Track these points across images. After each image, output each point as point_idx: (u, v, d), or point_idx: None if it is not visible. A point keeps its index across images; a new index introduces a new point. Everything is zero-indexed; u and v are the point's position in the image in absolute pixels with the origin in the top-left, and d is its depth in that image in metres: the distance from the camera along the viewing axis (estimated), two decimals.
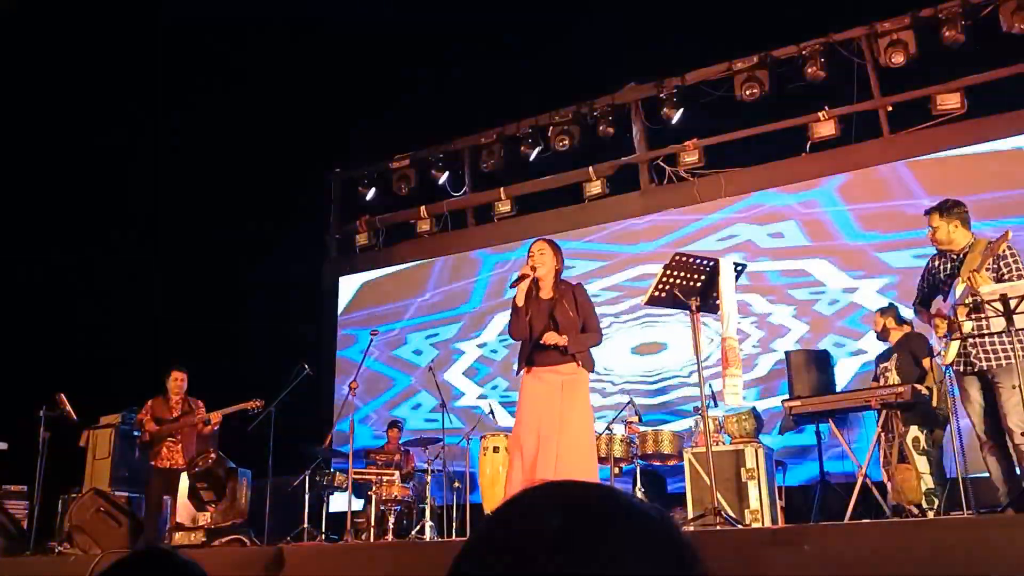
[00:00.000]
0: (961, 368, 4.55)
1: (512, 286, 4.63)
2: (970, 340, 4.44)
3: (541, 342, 4.48)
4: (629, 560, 0.67)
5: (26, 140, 8.67)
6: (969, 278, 4.34)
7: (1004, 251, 4.45)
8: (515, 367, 4.68)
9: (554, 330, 4.52)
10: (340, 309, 10.08)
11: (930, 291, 4.84)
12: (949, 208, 4.70)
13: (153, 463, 7.04)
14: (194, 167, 9.30)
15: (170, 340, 8.89)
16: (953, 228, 4.66)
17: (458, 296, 9.33)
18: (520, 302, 4.57)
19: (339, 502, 8.06)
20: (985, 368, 4.46)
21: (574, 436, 4.39)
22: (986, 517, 3.90)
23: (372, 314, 9.74)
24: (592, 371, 4.55)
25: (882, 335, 6.19)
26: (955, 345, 4.49)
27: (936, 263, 4.82)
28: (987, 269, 4.41)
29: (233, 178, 9.29)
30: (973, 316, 4.31)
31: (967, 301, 4.34)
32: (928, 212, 4.76)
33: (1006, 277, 4.42)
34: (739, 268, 4.68)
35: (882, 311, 6.24)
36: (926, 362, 5.78)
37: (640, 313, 8.28)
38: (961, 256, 4.64)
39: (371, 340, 6.82)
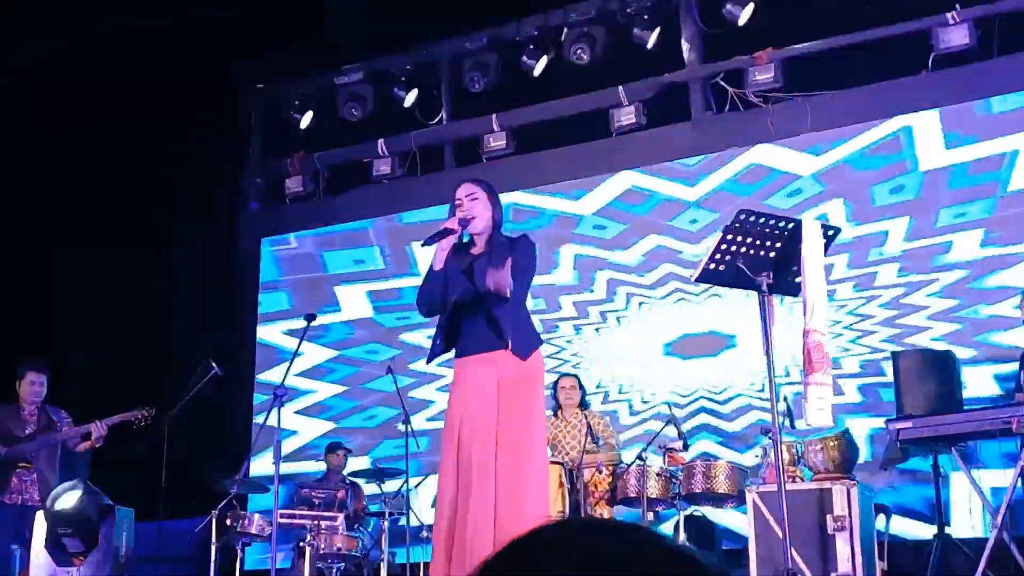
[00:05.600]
0: None
1: (427, 243, 4.71)
2: None
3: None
4: None
5: None
6: None
7: None
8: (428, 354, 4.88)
9: (473, 290, 4.67)
10: (263, 283, 10.06)
11: None
12: None
13: None
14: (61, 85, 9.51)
15: (22, 329, 8.98)
16: None
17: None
18: (439, 265, 4.69)
19: (259, 555, 8.08)
20: None
21: (513, 456, 4.49)
22: None
23: (308, 297, 9.85)
24: (533, 350, 4.65)
25: None
26: None
27: None
28: None
29: (117, 99, 9.33)
30: None
31: None
32: None
33: None
34: (831, 232, 4.78)
35: None
36: None
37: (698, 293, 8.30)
38: None
39: (306, 327, 6.70)
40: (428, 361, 4.90)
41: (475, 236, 4.80)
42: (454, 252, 4.75)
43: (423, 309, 4.84)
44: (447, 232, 4.67)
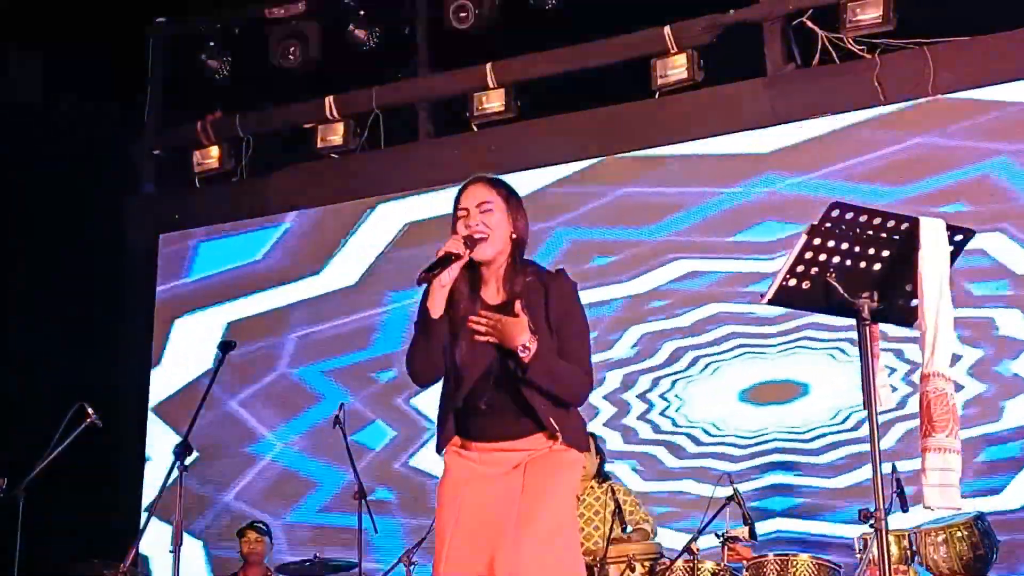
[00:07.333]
0: None
1: (423, 279, 4.32)
2: None
3: (472, 324, 4.29)
4: None
5: None
6: None
7: None
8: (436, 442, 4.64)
9: (503, 364, 4.34)
10: (160, 295, 10.02)
11: None
12: None
13: None
14: None
15: None
16: None
17: None
18: (437, 311, 4.35)
19: None
20: None
21: (543, 550, 4.22)
22: None
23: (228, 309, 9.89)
24: (585, 450, 4.57)
25: None
26: None
27: None
28: None
29: None
30: None
31: None
32: None
33: None
34: (960, 237, 4.49)
35: None
36: None
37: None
38: None
39: (222, 359, 6.76)
40: (439, 450, 4.49)
41: (482, 267, 4.36)
42: (464, 297, 4.39)
43: (419, 378, 4.48)
44: (449, 259, 4.17)
